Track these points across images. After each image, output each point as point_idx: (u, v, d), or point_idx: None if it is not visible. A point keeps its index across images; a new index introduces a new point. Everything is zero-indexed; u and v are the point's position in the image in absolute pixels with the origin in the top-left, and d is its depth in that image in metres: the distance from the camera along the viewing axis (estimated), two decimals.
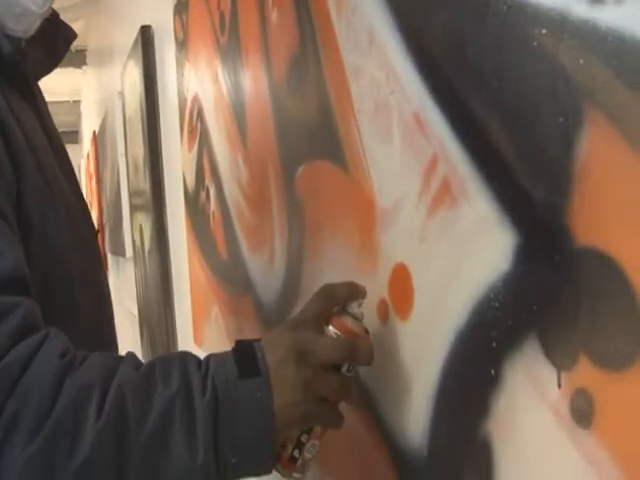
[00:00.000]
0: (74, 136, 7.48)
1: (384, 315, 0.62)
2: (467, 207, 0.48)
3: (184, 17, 1.34)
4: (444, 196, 0.50)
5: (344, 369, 0.59)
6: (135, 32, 1.88)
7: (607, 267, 0.37)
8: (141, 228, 2.21)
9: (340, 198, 0.68)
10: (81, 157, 5.93)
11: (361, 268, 0.65)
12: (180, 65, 1.41)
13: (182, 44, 1.38)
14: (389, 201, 0.59)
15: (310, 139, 0.75)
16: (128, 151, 2.42)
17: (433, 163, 0.51)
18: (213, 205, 1.23)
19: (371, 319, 0.63)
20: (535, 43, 0.40)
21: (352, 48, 0.63)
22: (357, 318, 0.61)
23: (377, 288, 0.62)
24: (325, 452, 0.78)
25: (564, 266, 0.40)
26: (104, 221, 3.77)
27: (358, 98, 0.63)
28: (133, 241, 2.51)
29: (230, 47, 1.03)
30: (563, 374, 0.41)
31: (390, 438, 0.62)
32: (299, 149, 0.79)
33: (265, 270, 0.96)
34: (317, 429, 0.60)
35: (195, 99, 1.31)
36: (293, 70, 0.78)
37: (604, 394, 0.38)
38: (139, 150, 2.03)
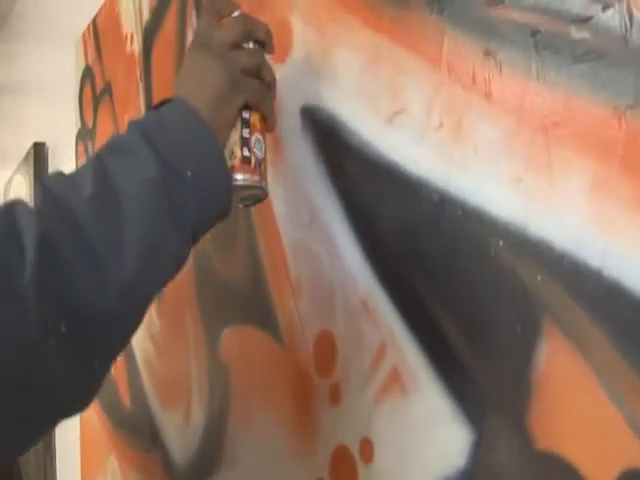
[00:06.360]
0: None
1: None
2: (418, 398, 0.48)
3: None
4: (393, 384, 0.50)
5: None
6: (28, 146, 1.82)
7: (565, 472, 0.38)
8: None
9: (273, 368, 0.66)
10: None
11: (297, 445, 0.62)
12: None
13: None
14: (331, 381, 0.58)
15: (238, 303, 0.74)
16: None
17: (382, 351, 0.52)
18: None
19: None
20: (492, 253, 0.42)
21: (294, 225, 0.64)
22: None
23: (315, 467, 0.60)
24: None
25: (524, 468, 0.40)
26: None
27: (296, 276, 0.63)
28: None
29: None
30: None
31: None
32: (225, 310, 0.77)
33: (179, 427, 0.91)
34: (253, 120, 0.57)
35: None
36: (223, 236, 0.78)
37: None
38: None
